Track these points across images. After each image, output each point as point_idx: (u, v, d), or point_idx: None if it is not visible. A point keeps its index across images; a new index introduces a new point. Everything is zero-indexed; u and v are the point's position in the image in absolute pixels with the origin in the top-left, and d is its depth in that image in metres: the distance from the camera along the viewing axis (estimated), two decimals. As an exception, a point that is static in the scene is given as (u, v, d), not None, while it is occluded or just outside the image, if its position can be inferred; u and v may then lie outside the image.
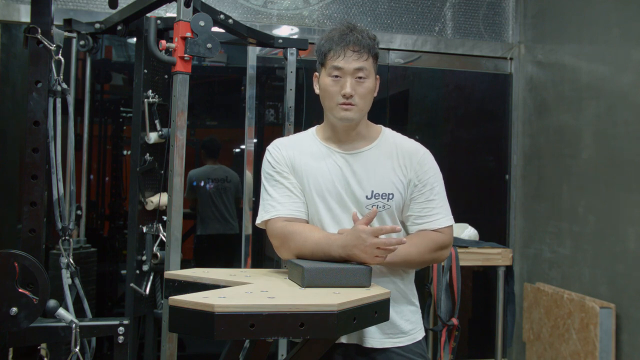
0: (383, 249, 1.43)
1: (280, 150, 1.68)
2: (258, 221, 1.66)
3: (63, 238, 2.10)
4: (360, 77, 1.58)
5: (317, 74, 1.68)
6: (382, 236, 1.45)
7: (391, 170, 1.63)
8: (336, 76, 1.59)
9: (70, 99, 2.05)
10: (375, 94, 1.66)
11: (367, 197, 1.60)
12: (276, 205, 1.62)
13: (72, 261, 2.17)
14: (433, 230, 1.62)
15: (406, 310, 1.66)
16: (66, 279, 2.17)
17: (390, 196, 1.61)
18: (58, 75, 1.93)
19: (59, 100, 1.98)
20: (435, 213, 1.63)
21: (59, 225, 2.07)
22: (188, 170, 3.72)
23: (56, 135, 1.97)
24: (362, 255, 1.43)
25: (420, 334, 1.69)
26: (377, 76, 1.66)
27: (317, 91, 1.68)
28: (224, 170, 3.88)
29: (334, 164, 1.64)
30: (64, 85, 1.99)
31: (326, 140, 1.68)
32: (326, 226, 1.61)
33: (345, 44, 1.57)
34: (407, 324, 1.65)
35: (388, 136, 1.70)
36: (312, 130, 1.74)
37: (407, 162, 1.64)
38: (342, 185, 1.61)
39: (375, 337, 1.61)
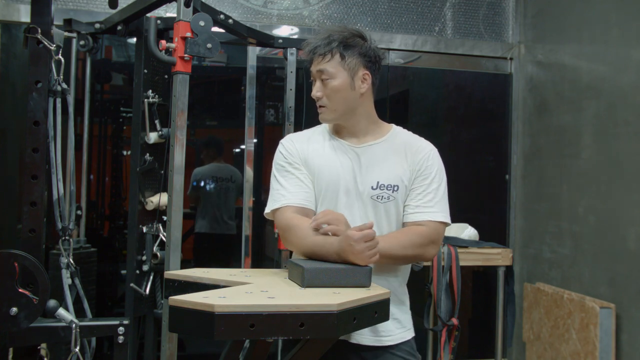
0: (373, 248, 1.44)
1: (294, 142, 1.72)
2: (267, 210, 1.68)
3: (63, 238, 2.10)
4: (324, 79, 1.64)
5: None
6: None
7: (398, 163, 1.66)
8: (312, 81, 1.68)
9: (70, 99, 2.05)
10: (363, 91, 1.66)
11: (372, 187, 1.63)
12: (286, 194, 1.64)
13: (72, 261, 2.17)
14: (414, 223, 1.62)
15: (396, 310, 1.67)
16: (66, 279, 2.17)
17: (396, 188, 1.64)
18: (58, 75, 1.93)
19: (59, 100, 1.98)
20: (428, 207, 1.63)
21: (59, 225, 2.07)
22: (187, 170, 3.71)
23: (56, 135, 1.97)
24: (356, 260, 1.44)
25: (409, 334, 1.71)
26: (366, 72, 1.66)
27: None
28: (230, 170, 3.88)
29: (345, 156, 1.67)
30: (64, 85, 1.99)
31: (336, 134, 1.72)
32: None
33: (311, 50, 1.66)
34: (396, 323, 1.67)
35: (398, 133, 1.74)
36: (325, 125, 1.77)
37: (413, 156, 1.67)
38: (351, 177, 1.64)
39: (365, 336, 1.63)
